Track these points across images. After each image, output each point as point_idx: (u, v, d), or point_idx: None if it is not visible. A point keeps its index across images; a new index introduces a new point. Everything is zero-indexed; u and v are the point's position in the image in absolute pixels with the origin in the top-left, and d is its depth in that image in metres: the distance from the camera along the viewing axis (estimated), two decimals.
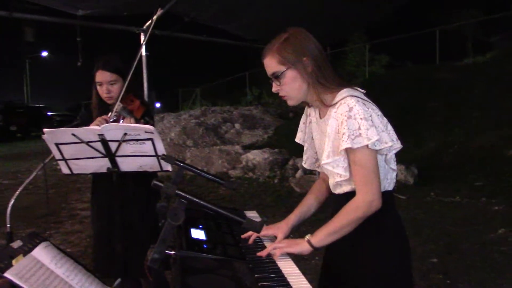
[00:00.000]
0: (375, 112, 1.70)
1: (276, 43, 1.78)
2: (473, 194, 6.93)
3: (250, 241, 1.94)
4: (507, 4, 16.30)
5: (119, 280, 2.86)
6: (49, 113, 26.84)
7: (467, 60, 15.78)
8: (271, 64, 1.79)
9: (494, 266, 4.30)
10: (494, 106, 10.09)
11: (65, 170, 2.52)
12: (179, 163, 1.86)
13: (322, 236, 1.75)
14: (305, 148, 2.06)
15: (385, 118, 1.74)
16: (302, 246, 1.77)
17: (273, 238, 1.97)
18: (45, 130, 2.32)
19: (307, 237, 1.78)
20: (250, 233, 1.93)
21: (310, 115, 1.97)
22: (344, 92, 1.74)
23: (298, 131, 2.05)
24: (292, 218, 2.01)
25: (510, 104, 9.79)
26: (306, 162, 2.08)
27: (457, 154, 9.01)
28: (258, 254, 1.80)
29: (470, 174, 7.83)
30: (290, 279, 1.59)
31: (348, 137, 1.65)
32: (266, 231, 1.97)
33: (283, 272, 1.65)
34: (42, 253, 1.49)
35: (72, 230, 5.99)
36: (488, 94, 10.68)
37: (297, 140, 2.07)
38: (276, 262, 1.74)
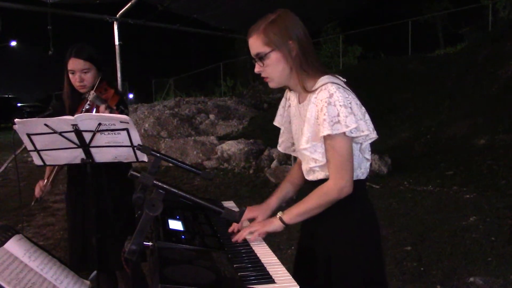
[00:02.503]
0: (354, 101, 1.71)
1: (263, 24, 1.76)
2: (445, 183, 7.06)
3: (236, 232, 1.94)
4: None
5: (94, 272, 2.83)
6: (19, 104, 26.34)
7: (438, 52, 16.08)
8: (256, 44, 1.77)
9: (466, 253, 4.39)
10: (464, 97, 10.29)
11: (37, 161, 2.46)
12: (156, 153, 1.83)
13: (293, 215, 1.81)
14: (281, 132, 2.05)
15: (363, 108, 1.75)
16: (274, 223, 1.83)
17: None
18: (16, 120, 2.26)
19: (279, 214, 1.84)
20: (234, 225, 1.93)
21: (290, 99, 1.97)
22: (325, 78, 1.75)
23: (277, 115, 2.05)
24: (273, 202, 2.04)
25: (480, 95, 9.99)
26: (281, 145, 2.08)
27: (429, 144, 9.17)
28: (234, 239, 1.82)
29: (442, 163, 7.98)
30: (269, 268, 1.59)
31: (328, 123, 1.66)
32: (248, 214, 1.99)
33: (262, 261, 1.66)
34: (15, 246, 1.45)
35: (44, 223, 5.87)
36: (459, 84, 10.88)
37: (275, 123, 2.06)
38: (255, 251, 1.75)
